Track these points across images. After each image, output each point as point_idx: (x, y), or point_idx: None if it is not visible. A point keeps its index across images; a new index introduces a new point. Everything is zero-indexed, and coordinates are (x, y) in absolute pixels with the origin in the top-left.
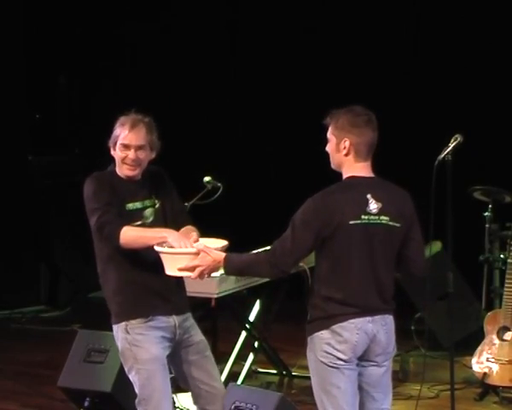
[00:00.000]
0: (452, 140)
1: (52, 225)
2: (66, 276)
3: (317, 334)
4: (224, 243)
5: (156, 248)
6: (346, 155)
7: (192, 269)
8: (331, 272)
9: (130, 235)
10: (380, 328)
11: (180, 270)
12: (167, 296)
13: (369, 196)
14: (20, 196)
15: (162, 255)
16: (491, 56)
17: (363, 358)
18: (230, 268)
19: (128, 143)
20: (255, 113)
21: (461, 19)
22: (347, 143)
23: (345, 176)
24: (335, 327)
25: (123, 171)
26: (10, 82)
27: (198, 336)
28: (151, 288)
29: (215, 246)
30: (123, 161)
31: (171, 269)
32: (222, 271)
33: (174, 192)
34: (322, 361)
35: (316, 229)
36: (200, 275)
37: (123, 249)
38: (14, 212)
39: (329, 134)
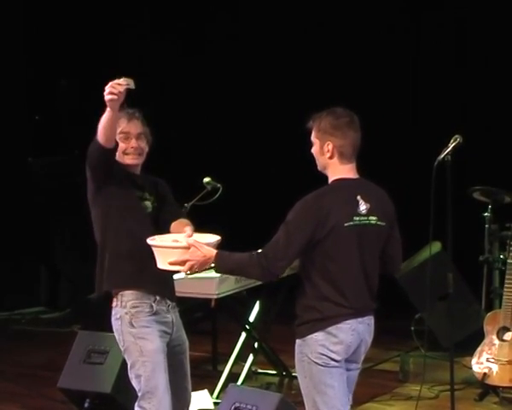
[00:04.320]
0: (452, 140)
1: (52, 226)
2: (65, 277)
3: (311, 336)
4: (216, 238)
5: (148, 241)
6: (331, 157)
7: (182, 263)
8: (325, 273)
9: (99, 133)
10: (366, 328)
11: (171, 264)
12: (166, 280)
13: (358, 197)
14: (19, 198)
15: (154, 249)
16: (490, 57)
17: (348, 359)
18: (221, 266)
19: (128, 131)
20: (255, 113)
21: (460, 18)
22: (330, 146)
23: (332, 178)
24: (331, 328)
25: (125, 160)
26: (10, 84)
27: (184, 335)
28: (148, 264)
29: (207, 241)
30: (124, 151)
31: (162, 263)
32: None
33: (172, 198)
34: (316, 362)
35: (310, 231)
36: (190, 269)
37: (115, 230)
38: (13, 213)
39: (313, 138)
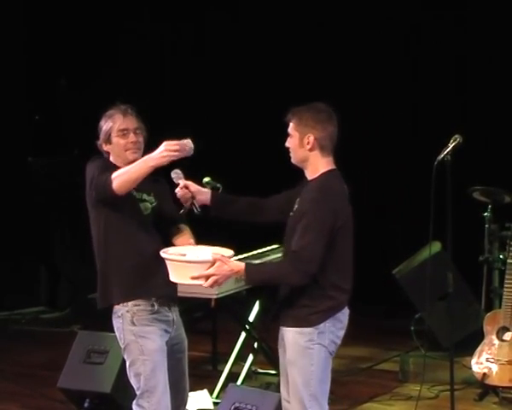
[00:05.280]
0: (452, 140)
1: (52, 226)
2: (65, 277)
3: (324, 323)
4: (230, 252)
5: (165, 255)
6: (311, 149)
7: (206, 278)
8: (335, 262)
9: (120, 178)
10: None
11: (193, 278)
12: (167, 280)
13: (344, 186)
14: (19, 198)
15: (171, 263)
16: (490, 56)
17: None
18: (252, 279)
19: (126, 127)
20: (256, 113)
21: (461, 18)
22: (311, 138)
23: (318, 171)
24: (339, 315)
25: (126, 157)
26: (10, 83)
27: (183, 333)
28: (152, 268)
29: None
30: (125, 147)
31: (180, 277)
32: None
33: (171, 198)
34: (328, 349)
35: (332, 226)
36: (214, 284)
37: (114, 230)
38: (13, 213)
39: (292, 130)
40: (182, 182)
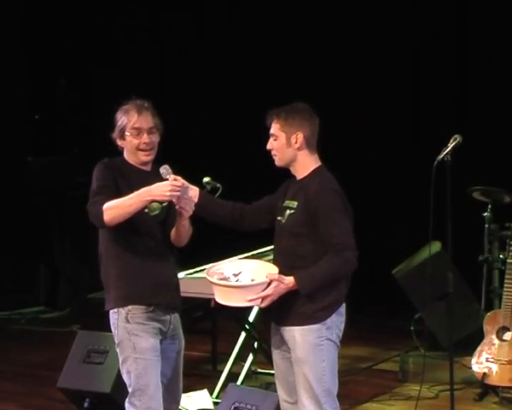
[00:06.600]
0: (451, 140)
1: (51, 225)
2: (65, 277)
3: (330, 318)
4: (276, 269)
5: (216, 281)
6: (299, 148)
7: (262, 298)
8: None
9: (112, 211)
10: None
11: (250, 301)
12: (168, 285)
13: None
14: (19, 197)
15: (222, 288)
16: (490, 56)
17: None
18: (308, 286)
19: (139, 127)
20: (256, 112)
21: (460, 17)
22: (300, 137)
23: (309, 168)
24: (341, 308)
25: (139, 157)
26: (10, 83)
27: (181, 333)
28: (153, 275)
29: (271, 272)
30: (137, 147)
31: (235, 300)
32: None
33: None
34: (335, 343)
35: (345, 207)
36: (268, 303)
37: (115, 229)
38: (13, 213)
39: (277, 131)
40: (170, 177)
